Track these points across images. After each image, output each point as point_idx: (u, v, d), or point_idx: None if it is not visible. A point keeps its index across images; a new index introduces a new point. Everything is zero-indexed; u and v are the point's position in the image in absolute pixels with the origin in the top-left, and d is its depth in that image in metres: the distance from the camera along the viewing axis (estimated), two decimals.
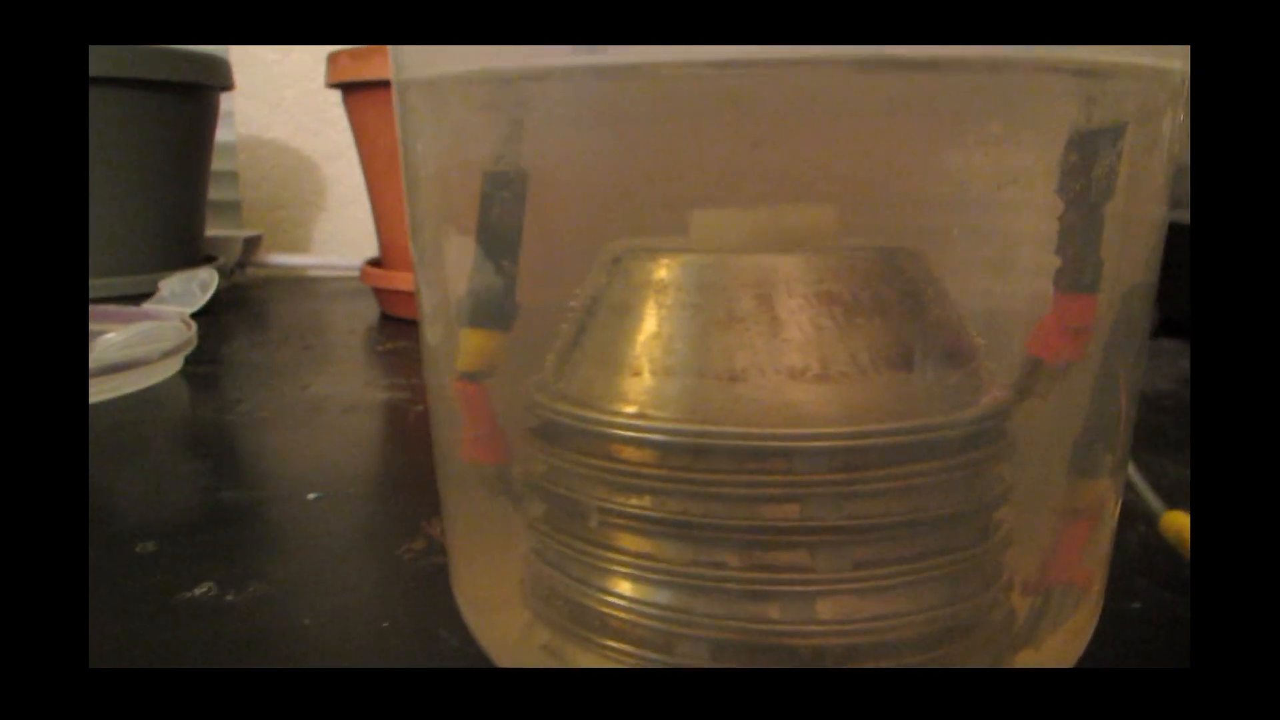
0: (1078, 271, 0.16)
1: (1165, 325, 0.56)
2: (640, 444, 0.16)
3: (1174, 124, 0.17)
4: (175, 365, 0.48)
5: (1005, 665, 0.17)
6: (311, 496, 0.31)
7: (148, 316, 0.49)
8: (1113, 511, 0.18)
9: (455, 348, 0.19)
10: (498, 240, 0.18)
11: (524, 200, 0.18)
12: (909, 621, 0.16)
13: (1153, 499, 0.25)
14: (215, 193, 0.92)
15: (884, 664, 0.16)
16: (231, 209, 0.99)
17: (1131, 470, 0.27)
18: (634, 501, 0.16)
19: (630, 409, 0.16)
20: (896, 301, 0.16)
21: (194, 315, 0.58)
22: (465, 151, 0.18)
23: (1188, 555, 0.22)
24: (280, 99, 0.95)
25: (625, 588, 0.17)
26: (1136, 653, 0.20)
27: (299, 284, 0.87)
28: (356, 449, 0.36)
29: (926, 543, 0.16)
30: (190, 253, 0.68)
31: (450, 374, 0.19)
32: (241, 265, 0.90)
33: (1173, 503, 0.25)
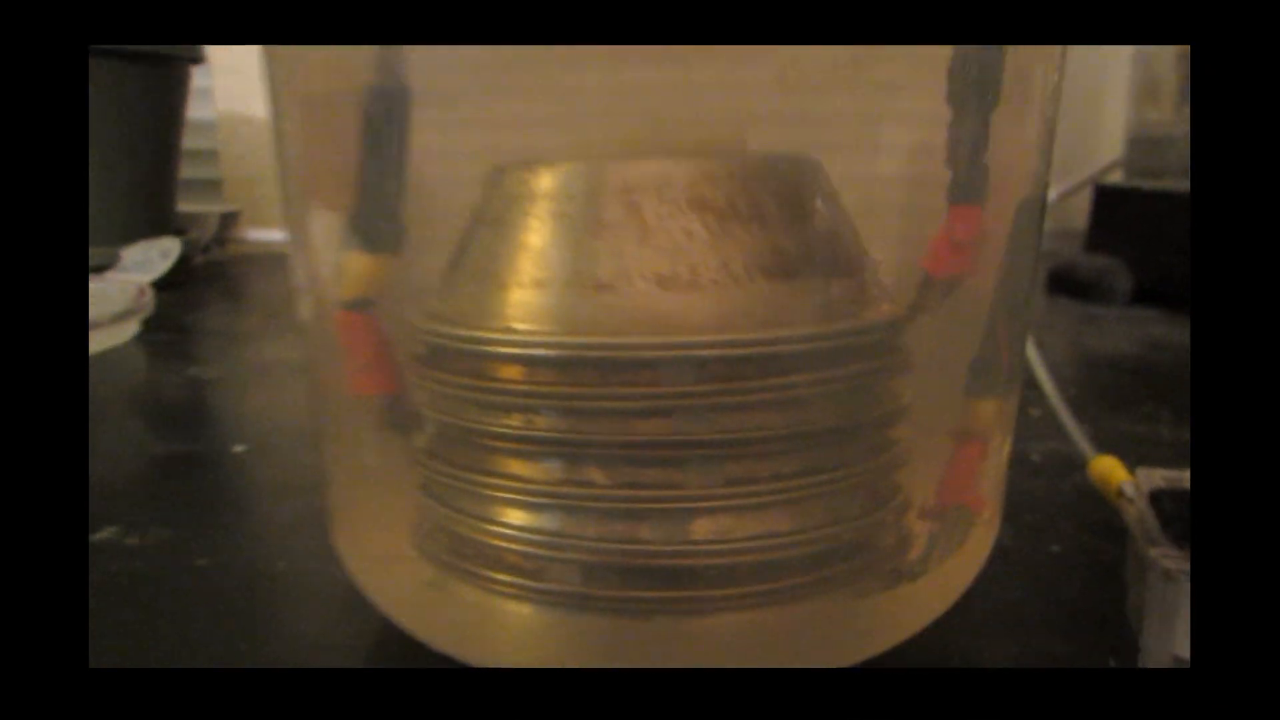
0: (964, 182, 0.16)
1: (1139, 293, 0.55)
2: (506, 360, 0.15)
3: None
4: (130, 330, 0.48)
5: (897, 590, 0.16)
6: (239, 449, 0.30)
7: (103, 282, 0.48)
8: (1004, 435, 0.18)
9: (329, 314, 0.18)
10: (381, 158, 0.17)
11: (407, 116, 0.17)
12: (790, 541, 0.16)
13: (1085, 444, 0.25)
14: (196, 170, 0.92)
15: (764, 586, 0.16)
16: (213, 187, 0.98)
17: (1066, 417, 0.26)
18: (504, 421, 0.16)
19: (497, 324, 0.16)
20: (776, 209, 0.15)
21: (165, 288, 0.57)
22: (327, 113, 0.18)
23: (1114, 499, 0.22)
24: (260, 75, 0.94)
25: (499, 513, 0.16)
26: (1043, 593, 0.20)
27: (277, 260, 0.87)
28: (295, 407, 0.35)
29: (808, 459, 0.16)
30: (159, 226, 0.67)
31: (328, 336, 0.18)
32: (220, 241, 0.90)
33: (1108, 451, 0.25)
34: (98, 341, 0.44)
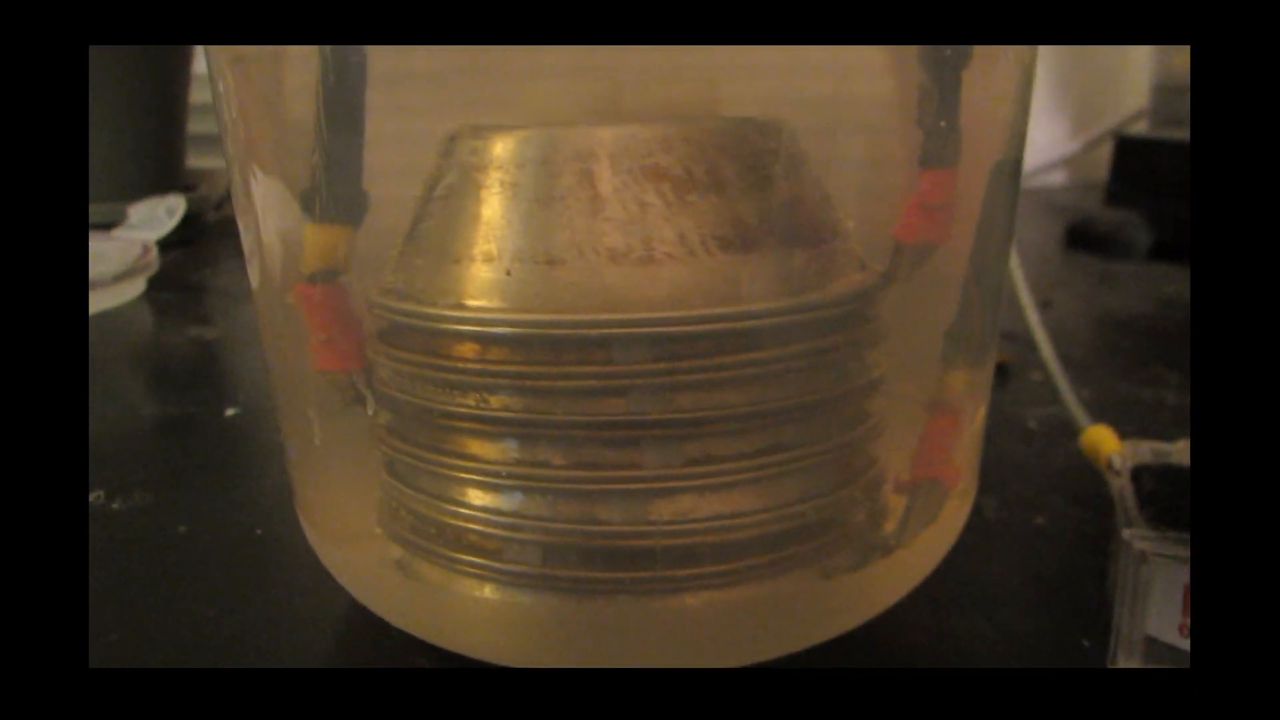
0: (936, 144, 0.15)
1: (1159, 247, 0.54)
2: (457, 337, 0.15)
3: None
4: (136, 289, 0.48)
5: (870, 566, 0.16)
6: (230, 413, 0.30)
7: (106, 241, 0.48)
8: (978, 405, 0.17)
9: (278, 285, 0.18)
10: (338, 124, 0.17)
11: (364, 78, 0.16)
12: (754, 520, 0.15)
13: (1079, 413, 0.24)
14: (206, 125, 0.91)
15: (728, 565, 0.15)
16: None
17: (1061, 381, 0.25)
18: (459, 400, 0.15)
19: (449, 300, 0.15)
20: (737, 177, 0.15)
21: (175, 246, 0.57)
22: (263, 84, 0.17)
23: (1103, 467, 0.21)
24: None
25: (458, 493, 0.16)
26: (1023, 568, 0.19)
27: None
28: None
29: (773, 436, 0.15)
30: (167, 183, 0.67)
31: (285, 309, 0.18)
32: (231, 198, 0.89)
33: (1108, 420, 0.24)
34: (101, 301, 0.44)
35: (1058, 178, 0.80)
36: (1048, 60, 0.78)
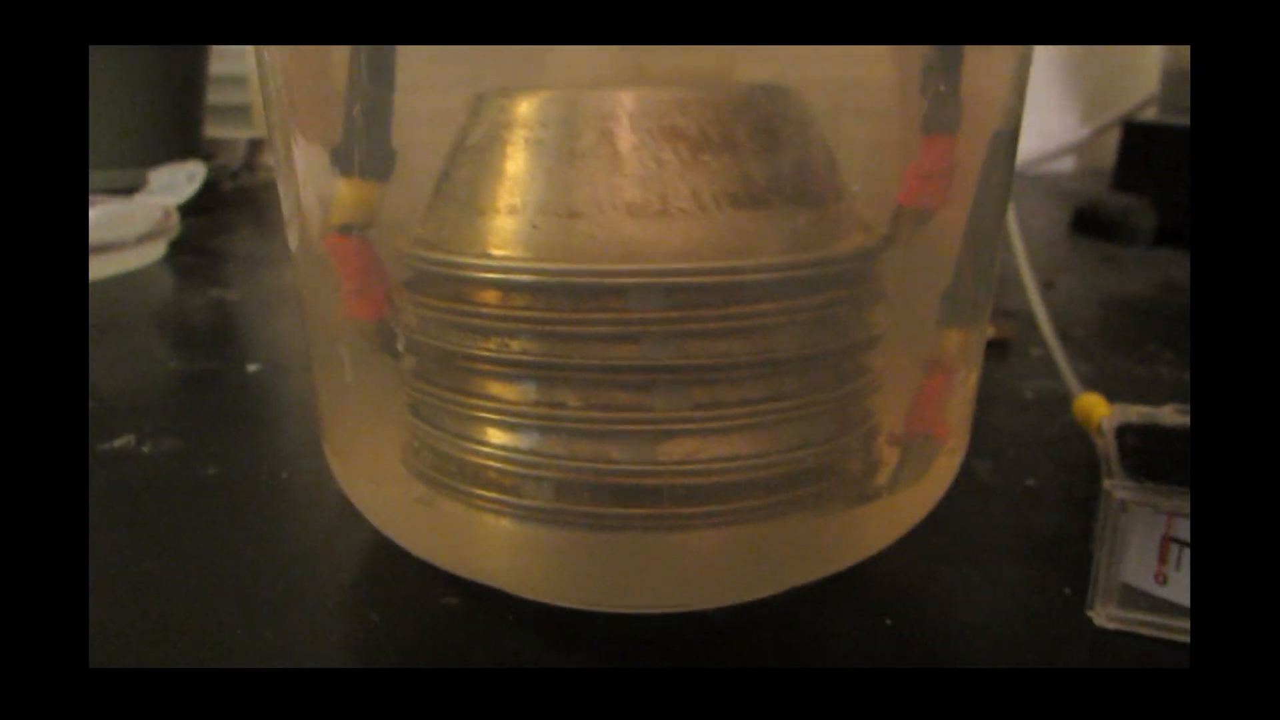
0: (937, 112, 0.16)
1: (1163, 233, 0.54)
2: (482, 284, 0.16)
3: None
4: (157, 252, 0.49)
5: (859, 510, 0.17)
6: (252, 368, 0.31)
7: (129, 204, 0.50)
8: (971, 366, 0.18)
9: (315, 241, 0.18)
10: (369, 81, 0.18)
11: (394, 47, 0.17)
12: (755, 463, 0.16)
13: (1073, 381, 0.25)
14: (225, 96, 0.92)
15: (729, 505, 0.16)
16: (242, 113, 0.98)
17: (1059, 354, 0.26)
18: (482, 344, 0.16)
19: (474, 249, 0.16)
20: (748, 139, 0.16)
21: (194, 213, 0.58)
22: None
23: (1094, 434, 0.22)
24: None
25: (479, 432, 0.17)
26: (1012, 524, 0.20)
27: None
28: None
29: (775, 385, 0.16)
30: (186, 150, 0.68)
31: (320, 263, 0.19)
32: (249, 167, 0.90)
33: (1104, 393, 0.25)
34: (123, 262, 0.46)
35: (1067, 164, 0.81)
36: (1060, 49, 0.78)
